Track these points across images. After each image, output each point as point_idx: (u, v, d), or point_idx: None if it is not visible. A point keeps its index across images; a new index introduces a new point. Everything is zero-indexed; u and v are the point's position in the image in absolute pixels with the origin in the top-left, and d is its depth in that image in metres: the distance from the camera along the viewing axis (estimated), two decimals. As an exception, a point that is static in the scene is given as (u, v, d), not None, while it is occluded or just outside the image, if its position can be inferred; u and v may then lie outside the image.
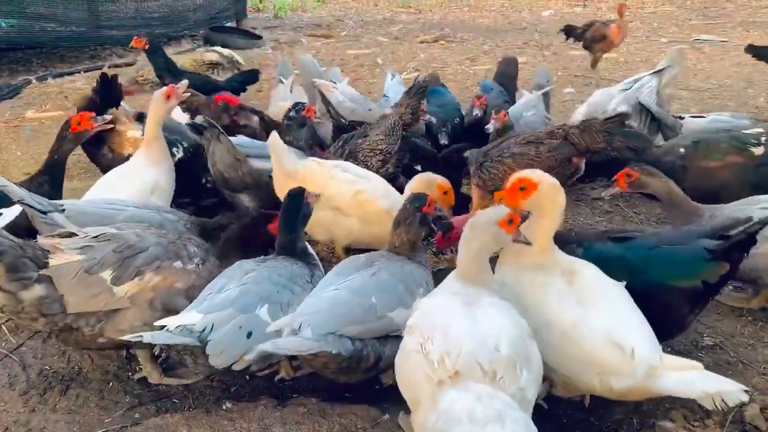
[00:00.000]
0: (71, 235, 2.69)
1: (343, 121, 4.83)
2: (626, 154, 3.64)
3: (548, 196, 2.64)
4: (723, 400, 2.08)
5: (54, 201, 3.08)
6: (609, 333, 2.27)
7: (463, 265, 2.39)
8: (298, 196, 3.05)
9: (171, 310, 2.67)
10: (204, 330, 2.47)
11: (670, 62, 4.94)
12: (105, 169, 3.84)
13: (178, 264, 2.73)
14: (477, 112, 4.99)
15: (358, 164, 4.08)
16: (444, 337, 2.03)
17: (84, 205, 3.18)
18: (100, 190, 3.55)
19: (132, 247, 2.66)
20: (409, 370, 2.13)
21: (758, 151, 3.72)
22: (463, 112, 5.53)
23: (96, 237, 2.66)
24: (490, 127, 4.47)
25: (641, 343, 2.23)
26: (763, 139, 3.73)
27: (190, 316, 2.53)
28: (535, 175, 2.70)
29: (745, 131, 3.83)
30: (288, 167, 3.57)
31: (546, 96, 5.76)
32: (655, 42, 11.58)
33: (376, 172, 4.12)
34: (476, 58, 10.74)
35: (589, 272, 2.54)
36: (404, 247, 2.91)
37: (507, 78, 6.06)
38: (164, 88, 3.86)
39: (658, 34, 12.43)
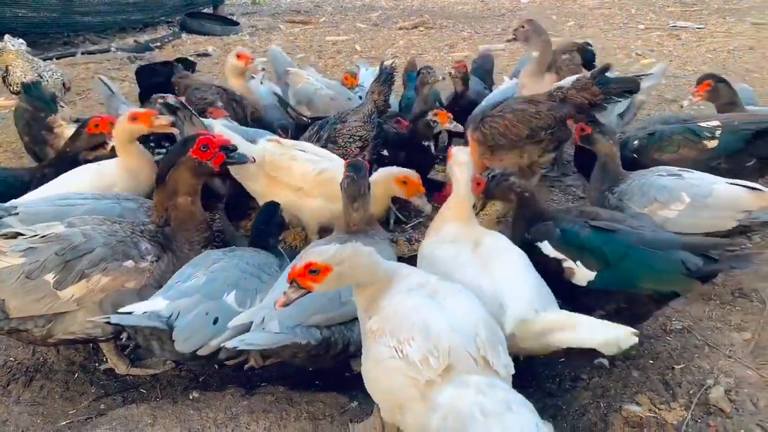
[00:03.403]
0: (18, 234, 2.59)
1: (305, 119, 4.75)
2: (625, 97, 3.77)
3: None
4: (618, 345, 2.18)
5: (6, 204, 2.97)
6: (494, 292, 2.43)
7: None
8: (270, 207, 3.18)
9: None
10: (171, 316, 2.44)
11: (653, 72, 4.99)
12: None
13: (129, 263, 2.64)
14: (452, 71, 5.26)
15: (338, 149, 4.04)
16: (425, 336, 1.96)
17: (38, 205, 3.06)
18: (54, 185, 3.42)
19: (76, 249, 2.56)
20: (386, 377, 2.03)
21: (711, 144, 3.70)
22: (443, 99, 5.53)
23: (43, 237, 2.58)
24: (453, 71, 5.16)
25: (516, 301, 2.39)
26: (717, 132, 3.70)
27: (156, 303, 2.50)
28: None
29: (701, 123, 3.80)
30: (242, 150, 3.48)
31: None
32: (633, 28, 11.62)
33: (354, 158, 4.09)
34: (455, 44, 10.71)
35: (491, 241, 2.72)
36: (362, 221, 2.88)
37: (483, 72, 6.18)
38: (132, 111, 3.61)
39: (636, 20, 12.47)
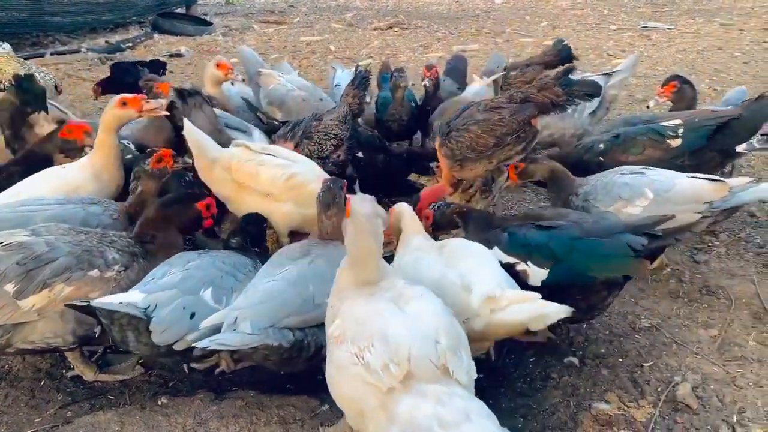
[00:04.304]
0: None
1: (276, 122, 4.72)
2: (585, 100, 3.75)
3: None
4: (548, 316, 2.33)
5: None
6: (462, 278, 2.51)
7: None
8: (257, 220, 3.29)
9: (85, 322, 2.56)
10: (148, 307, 2.42)
11: (623, 66, 5.04)
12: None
13: (94, 273, 2.59)
14: (426, 82, 5.15)
15: (312, 144, 4.01)
16: (384, 343, 1.95)
17: (0, 211, 2.98)
18: (15, 190, 3.32)
19: (38, 259, 2.51)
20: (347, 383, 2.03)
21: (675, 142, 3.77)
22: (417, 99, 5.54)
23: (6, 245, 2.53)
24: (427, 83, 5.14)
25: (483, 281, 2.47)
26: (680, 131, 3.76)
27: (133, 295, 2.48)
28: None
29: (663, 123, 3.85)
30: (211, 154, 3.40)
31: (496, 83, 5.77)
32: (605, 29, 11.75)
33: (328, 156, 4.06)
34: (429, 45, 10.73)
35: (455, 242, 2.84)
36: (336, 230, 2.86)
37: (456, 73, 6.18)
38: (121, 96, 3.53)
39: (608, 21, 12.61)
